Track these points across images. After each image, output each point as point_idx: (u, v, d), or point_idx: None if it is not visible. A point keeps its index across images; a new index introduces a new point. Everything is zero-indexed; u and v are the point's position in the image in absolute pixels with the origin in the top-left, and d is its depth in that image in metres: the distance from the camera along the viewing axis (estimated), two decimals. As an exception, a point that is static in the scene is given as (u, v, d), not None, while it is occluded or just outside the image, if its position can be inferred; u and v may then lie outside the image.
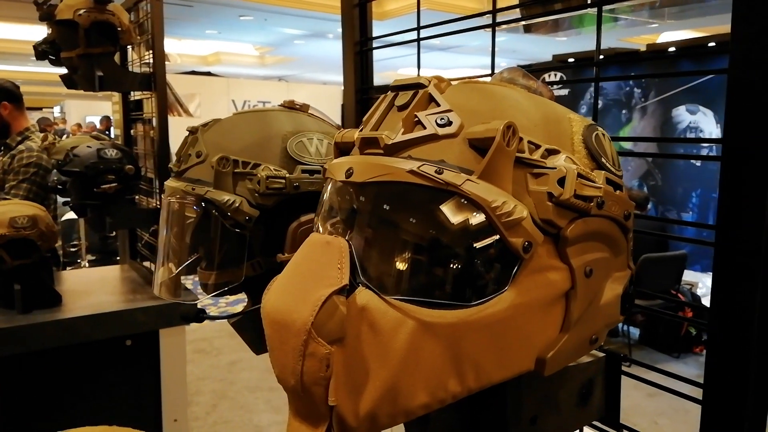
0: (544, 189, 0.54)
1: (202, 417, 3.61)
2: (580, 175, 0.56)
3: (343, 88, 1.31)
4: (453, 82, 0.63)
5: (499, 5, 1.02)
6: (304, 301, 0.51)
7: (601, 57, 0.83)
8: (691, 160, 4.91)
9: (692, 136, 4.83)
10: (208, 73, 12.07)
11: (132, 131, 2.90)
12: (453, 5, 6.50)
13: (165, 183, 1.02)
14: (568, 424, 0.80)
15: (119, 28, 2.27)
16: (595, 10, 0.84)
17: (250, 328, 1.12)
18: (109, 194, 2.20)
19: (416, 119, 0.57)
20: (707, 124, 5.04)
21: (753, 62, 0.62)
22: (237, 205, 0.93)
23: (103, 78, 2.26)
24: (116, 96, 2.97)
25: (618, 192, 0.60)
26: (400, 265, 0.56)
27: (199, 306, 0.98)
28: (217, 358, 4.54)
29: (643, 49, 5.11)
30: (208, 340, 4.86)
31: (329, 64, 12.83)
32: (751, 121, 0.63)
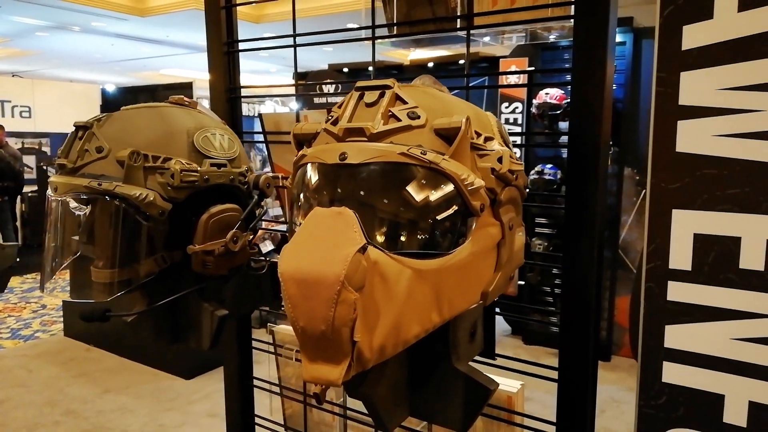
0: (489, 165, 0.74)
1: (-29, 470, 3.05)
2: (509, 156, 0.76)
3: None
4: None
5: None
6: (333, 259, 0.62)
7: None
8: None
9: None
10: None
11: None
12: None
13: (51, 180, 0.96)
14: (464, 356, 1.02)
15: None
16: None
17: (147, 326, 1.10)
18: None
19: (390, 113, 0.71)
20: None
21: (589, 78, 0.90)
22: (150, 199, 0.94)
23: None
24: None
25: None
26: (395, 227, 0.70)
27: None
28: (-24, 400, 3.84)
29: (406, 62, 5.77)
30: (-40, 381, 4.07)
31: (76, 59, 11.49)
32: (586, 119, 0.91)
